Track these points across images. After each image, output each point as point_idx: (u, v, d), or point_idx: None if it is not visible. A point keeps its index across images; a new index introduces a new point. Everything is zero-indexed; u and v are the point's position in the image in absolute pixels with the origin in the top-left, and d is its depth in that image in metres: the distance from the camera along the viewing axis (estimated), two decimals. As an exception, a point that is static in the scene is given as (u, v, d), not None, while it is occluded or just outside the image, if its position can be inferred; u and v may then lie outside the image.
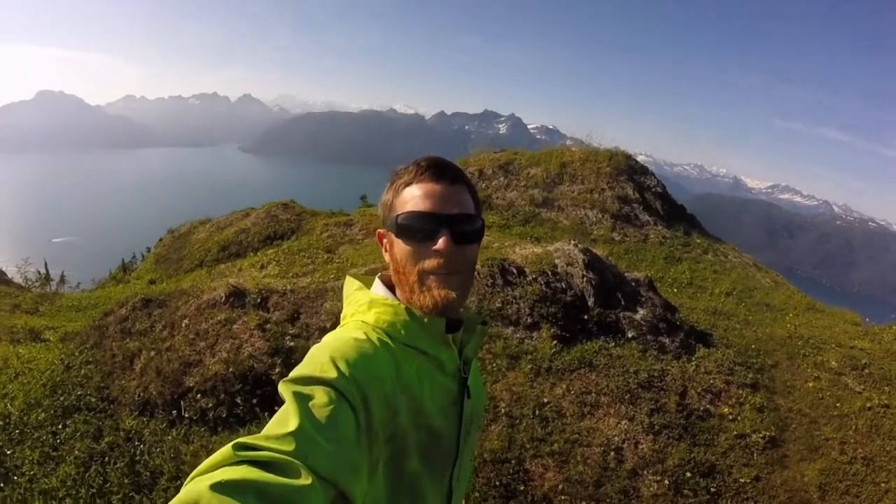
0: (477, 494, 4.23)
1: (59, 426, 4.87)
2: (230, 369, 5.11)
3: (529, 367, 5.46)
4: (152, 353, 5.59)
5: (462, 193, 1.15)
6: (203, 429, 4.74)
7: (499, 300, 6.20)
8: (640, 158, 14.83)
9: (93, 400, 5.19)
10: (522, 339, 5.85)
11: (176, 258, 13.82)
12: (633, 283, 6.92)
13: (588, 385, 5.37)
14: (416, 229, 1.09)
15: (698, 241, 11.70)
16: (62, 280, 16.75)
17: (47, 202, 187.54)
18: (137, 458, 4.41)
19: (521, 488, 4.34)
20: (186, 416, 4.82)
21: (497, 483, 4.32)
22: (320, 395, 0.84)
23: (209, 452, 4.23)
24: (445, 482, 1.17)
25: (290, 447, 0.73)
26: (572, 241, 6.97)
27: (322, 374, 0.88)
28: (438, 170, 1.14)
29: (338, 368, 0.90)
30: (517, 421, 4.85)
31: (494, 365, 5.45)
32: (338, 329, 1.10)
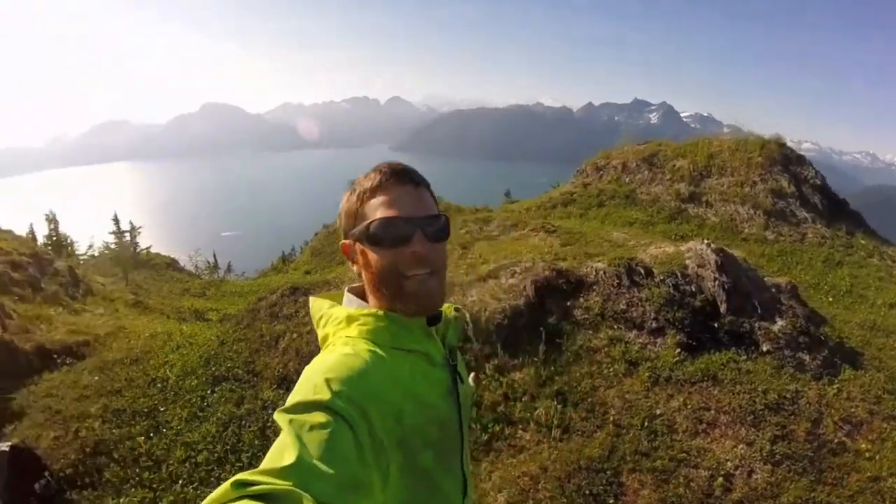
0: (564, 500, 4.14)
1: (208, 392, 5.73)
2: None
3: (648, 374, 5.18)
4: (294, 336, 6.18)
5: (425, 194, 1.17)
6: None
7: (623, 302, 5.95)
8: (805, 146, 13.26)
9: (239, 372, 5.96)
10: (644, 345, 5.56)
11: (329, 251, 14.86)
12: (773, 290, 6.22)
13: (708, 400, 4.94)
14: (391, 235, 1.10)
15: (863, 241, 10.04)
16: (228, 269, 18.72)
17: (217, 201, 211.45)
18: (269, 424, 5.03)
19: (611, 502, 4.16)
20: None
21: (587, 492, 4.19)
22: (317, 420, 0.83)
23: None
24: (458, 470, 1.19)
25: (290, 478, 0.72)
26: (705, 241, 6.44)
27: (316, 398, 0.88)
28: (402, 174, 1.15)
29: (331, 389, 0.89)
30: (623, 430, 4.64)
31: (611, 370, 5.25)
32: (325, 350, 1.09)
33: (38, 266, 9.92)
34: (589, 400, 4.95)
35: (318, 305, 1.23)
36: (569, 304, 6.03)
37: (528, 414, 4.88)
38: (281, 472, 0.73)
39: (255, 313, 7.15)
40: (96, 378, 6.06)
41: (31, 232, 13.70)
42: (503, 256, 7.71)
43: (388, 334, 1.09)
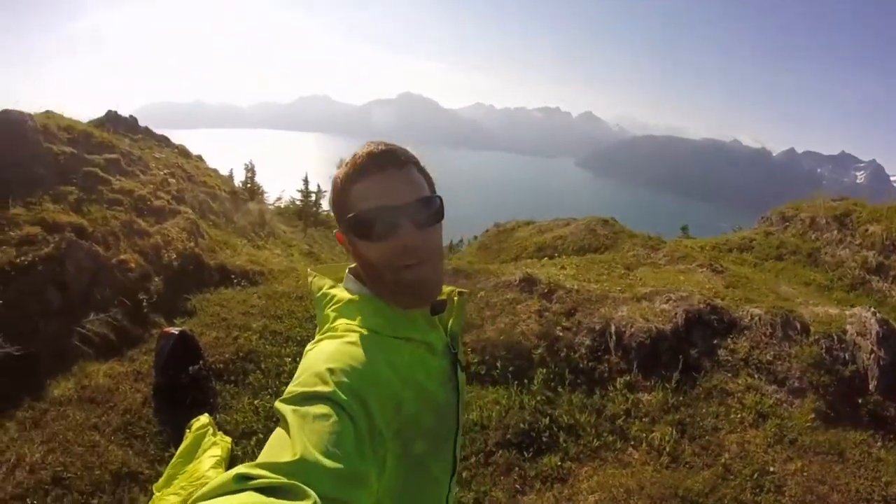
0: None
1: None
2: (501, 338, 6.02)
3: (774, 431, 5.03)
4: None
5: (411, 174, 1.12)
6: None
7: (771, 353, 5.82)
8: None
9: None
10: (780, 402, 5.42)
11: (496, 249, 15.42)
12: (935, 383, 5.52)
13: (826, 474, 4.65)
14: (374, 226, 1.06)
15: None
16: None
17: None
18: None
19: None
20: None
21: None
22: (318, 412, 0.83)
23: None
24: (450, 454, 1.20)
25: (293, 472, 0.72)
26: (871, 308, 6.12)
27: (317, 389, 0.87)
28: (381, 157, 1.08)
29: (332, 380, 0.89)
30: (731, 476, 4.57)
31: (738, 416, 5.19)
32: (326, 335, 1.06)
33: (234, 203, 11.75)
34: (707, 438, 4.94)
35: (318, 283, 1.22)
36: (715, 342, 6.02)
37: (644, 434, 4.96)
38: (283, 466, 0.72)
39: None
40: (263, 302, 6.82)
41: (231, 176, 15.79)
42: (663, 284, 7.74)
43: (389, 323, 1.08)
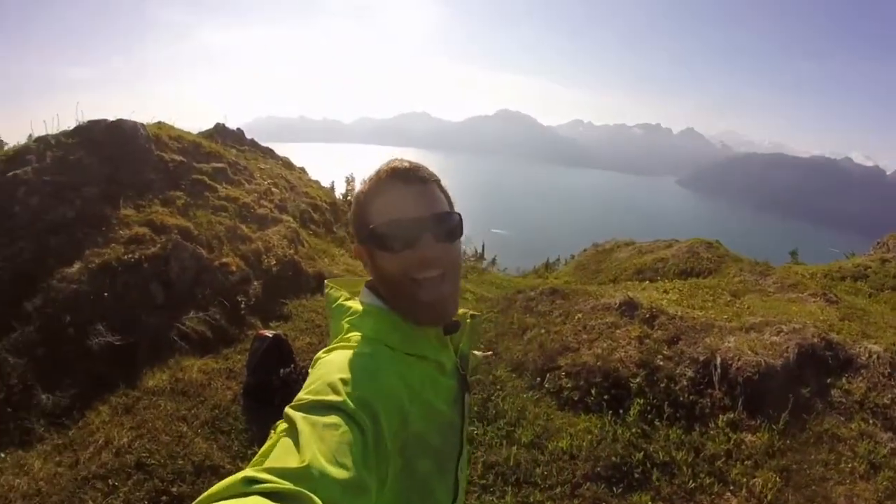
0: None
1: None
2: (598, 363, 5.73)
3: (886, 484, 4.48)
4: (542, 331, 6.62)
5: (434, 191, 1.13)
6: (553, 402, 5.48)
7: (889, 396, 5.21)
8: None
9: (479, 346, 6.63)
10: (894, 452, 4.82)
11: (594, 269, 15.15)
12: None
13: None
14: (395, 237, 1.07)
15: None
16: (493, 262, 20.33)
17: (494, 199, 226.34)
18: (493, 398, 5.46)
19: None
20: (546, 386, 5.67)
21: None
22: (327, 420, 0.83)
23: (546, 421, 5.16)
24: (452, 475, 1.18)
25: (300, 479, 0.72)
26: None
27: (328, 398, 0.87)
28: (405, 173, 1.11)
29: (344, 390, 0.89)
30: None
31: (849, 466, 4.68)
32: (339, 345, 1.07)
33: (334, 213, 12.00)
34: (813, 488, 4.51)
35: (334, 294, 1.24)
36: (829, 381, 5.49)
37: (745, 479, 4.59)
38: (291, 472, 0.73)
39: (511, 303, 7.82)
40: None
41: (333, 188, 16.06)
42: (772, 313, 7.24)
43: (403, 338, 1.09)
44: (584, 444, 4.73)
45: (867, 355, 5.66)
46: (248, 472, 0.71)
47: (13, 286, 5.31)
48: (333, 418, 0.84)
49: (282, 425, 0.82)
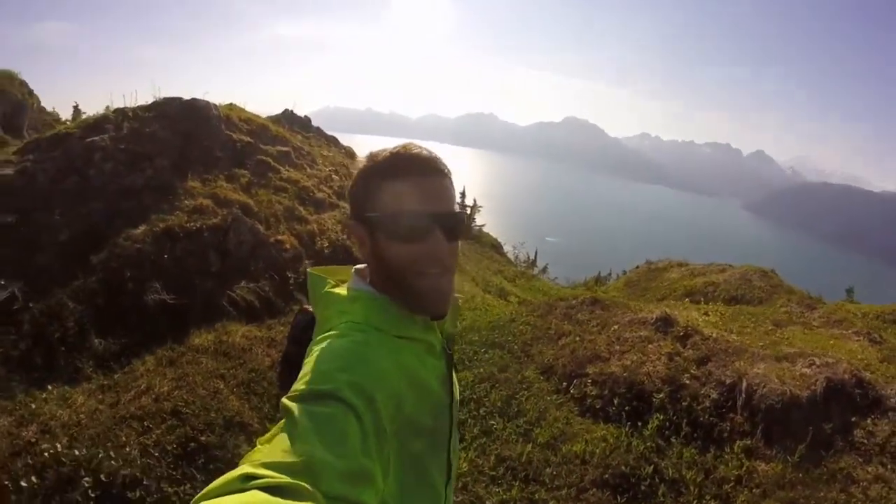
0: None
1: (481, 350, 6.61)
2: (624, 374, 5.81)
3: None
4: (577, 338, 6.75)
5: (449, 187, 1.12)
6: (576, 407, 5.59)
7: None
8: None
9: (515, 347, 6.76)
10: None
11: (643, 287, 14.88)
12: None
13: None
14: (406, 229, 1.06)
15: None
16: (544, 270, 20.28)
17: (554, 205, 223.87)
18: (516, 395, 5.63)
19: None
20: (572, 391, 5.79)
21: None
22: (324, 409, 0.83)
23: (565, 424, 5.27)
24: (445, 455, 1.19)
25: (299, 471, 0.72)
26: None
27: (324, 387, 0.87)
28: (426, 162, 1.09)
29: (339, 378, 0.89)
30: None
31: None
32: (331, 333, 1.04)
33: None
34: None
35: (318, 283, 1.19)
36: (854, 419, 5.31)
37: None
38: (289, 466, 0.72)
39: (552, 309, 7.93)
40: None
41: None
42: (810, 346, 7.06)
43: (393, 321, 1.08)
44: (598, 450, 4.79)
45: None
46: (245, 468, 0.71)
47: (82, 241, 5.82)
48: (329, 407, 0.84)
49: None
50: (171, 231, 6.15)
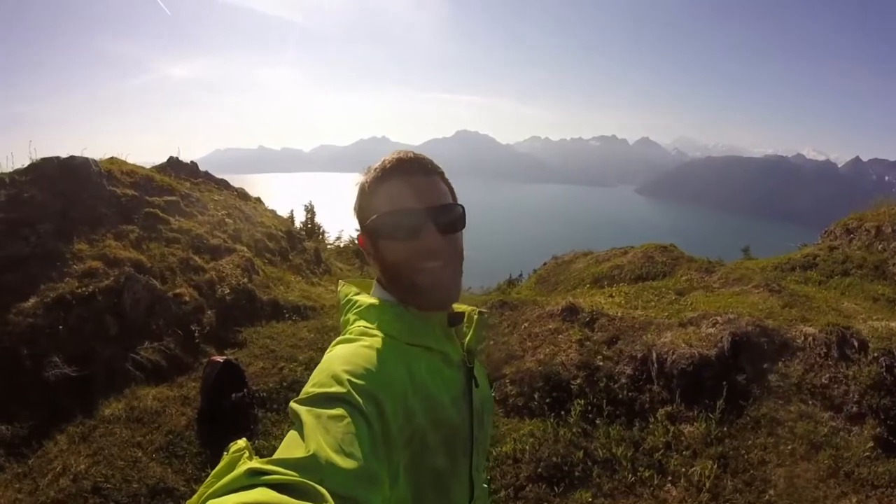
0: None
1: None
2: (539, 368, 5.95)
3: (828, 463, 4.57)
4: (490, 343, 6.76)
5: (438, 183, 1.16)
6: (500, 410, 5.67)
7: (826, 376, 5.33)
8: None
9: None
10: (836, 430, 4.91)
11: (553, 281, 15.08)
12: None
13: None
14: (399, 227, 1.09)
15: None
16: None
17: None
18: None
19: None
20: (493, 395, 5.94)
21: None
22: (332, 412, 0.83)
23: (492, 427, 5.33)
24: (466, 474, 1.18)
25: (305, 469, 0.72)
26: None
27: (333, 389, 0.88)
28: (409, 164, 1.13)
29: (349, 381, 0.89)
30: None
31: (788, 448, 4.75)
32: (343, 338, 1.07)
33: (290, 241, 12.16)
34: (751, 472, 4.57)
35: (345, 290, 1.23)
36: (765, 366, 5.59)
37: (684, 469, 4.63)
38: (296, 464, 0.73)
39: None
40: (312, 335, 7.16)
41: (291, 216, 16.21)
42: (713, 307, 7.38)
43: (407, 328, 1.09)
44: (528, 447, 4.83)
45: (803, 338, 5.79)
46: (252, 464, 0.71)
47: (-30, 322, 5.39)
48: (338, 410, 0.84)
49: (234, 447, 0.79)
50: (62, 299, 5.81)
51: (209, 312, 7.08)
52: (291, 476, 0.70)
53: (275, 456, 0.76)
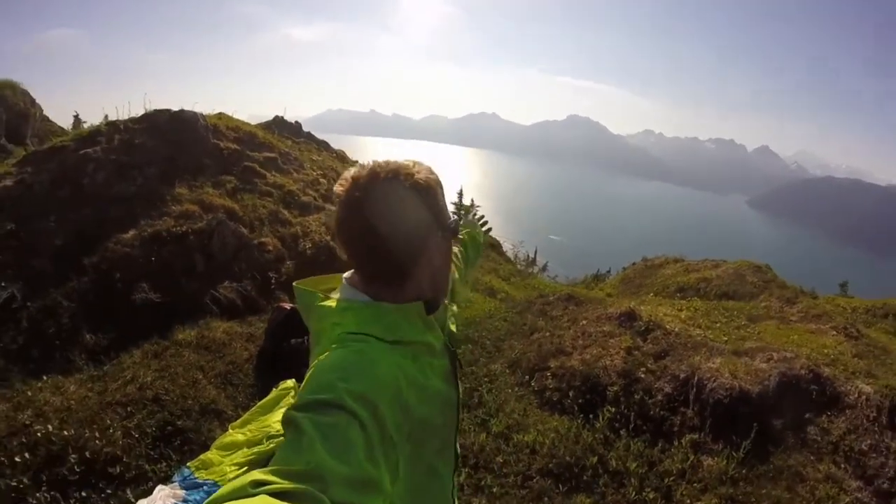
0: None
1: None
2: (581, 368, 6.01)
3: None
4: (547, 333, 6.96)
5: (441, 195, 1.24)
6: (535, 400, 5.78)
7: (868, 442, 4.90)
8: None
9: (487, 342, 7.00)
10: (857, 502, 4.52)
11: (638, 283, 14.73)
12: None
13: None
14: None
15: None
16: (544, 269, 20.40)
17: (556, 204, 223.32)
18: (479, 387, 5.83)
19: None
20: (533, 385, 6.02)
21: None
22: (328, 419, 0.85)
23: (521, 416, 5.44)
24: (452, 448, 1.26)
25: (305, 478, 0.74)
26: None
27: (326, 396, 0.89)
28: (439, 179, 1.22)
29: (342, 388, 0.90)
30: None
31: None
32: (330, 346, 1.06)
33: None
34: None
35: (308, 297, 1.21)
36: (807, 416, 5.23)
37: (689, 501, 4.53)
38: (296, 473, 0.74)
39: (531, 305, 8.19)
40: None
41: None
42: (779, 341, 7.00)
43: (388, 327, 1.10)
44: (548, 441, 4.90)
45: (856, 395, 5.35)
46: (255, 474, 0.73)
47: (76, 245, 6.27)
48: (333, 416, 0.85)
49: (282, 384, 1.01)
50: (158, 235, 6.58)
51: (288, 263, 7.66)
52: (292, 485, 0.72)
53: (274, 463, 0.78)
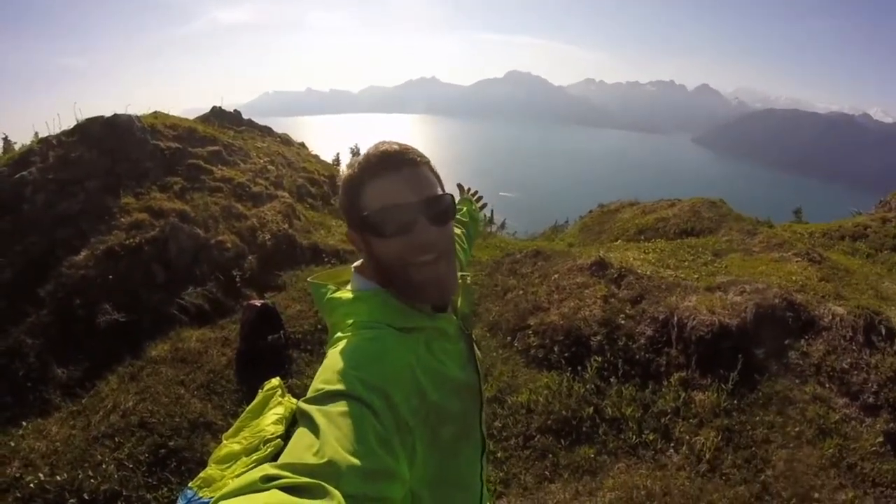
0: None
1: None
2: (562, 322, 6.01)
3: (832, 452, 4.38)
4: (520, 292, 6.92)
5: (426, 174, 1.13)
6: (521, 360, 5.80)
7: (848, 361, 5.12)
8: None
9: (463, 310, 6.99)
10: (848, 418, 4.73)
11: (597, 230, 14.88)
12: None
13: None
14: (390, 224, 1.06)
15: None
16: (502, 226, 20.43)
17: (503, 162, 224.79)
18: None
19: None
20: (516, 345, 6.05)
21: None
22: (340, 409, 0.84)
23: (511, 377, 5.46)
24: (477, 431, 1.23)
25: (316, 470, 0.73)
26: None
27: (338, 387, 0.88)
28: (396, 156, 1.09)
29: (354, 377, 0.90)
30: (766, 496, 4.11)
31: (795, 430, 4.59)
32: (341, 336, 1.05)
33: (332, 186, 12.15)
34: (753, 449, 4.51)
35: (320, 291, 1.20)
36: (787, 342, 5.42)
37: (688, 437, 4.64)
38: (308, 466, 0.73)
39: (499, 266, 8.07)
40: None
41: (336, 159, 16.34)
42: (747, 273, 7.21)
43: (399, 314, 1.09)
44: (542, 398, 4.96)
45: (830, 317, 5.59)
46: (266, 468, 0.72)
47: (27, 276, 5.89)
48: (346, 406, 0.84)
49: (268, 385, 0.95)
50: (111, 251, 6.24)
51: (250, 258, 7.42)
52: (304, 479, 0.71)
53: (286, 457, 0.77)
